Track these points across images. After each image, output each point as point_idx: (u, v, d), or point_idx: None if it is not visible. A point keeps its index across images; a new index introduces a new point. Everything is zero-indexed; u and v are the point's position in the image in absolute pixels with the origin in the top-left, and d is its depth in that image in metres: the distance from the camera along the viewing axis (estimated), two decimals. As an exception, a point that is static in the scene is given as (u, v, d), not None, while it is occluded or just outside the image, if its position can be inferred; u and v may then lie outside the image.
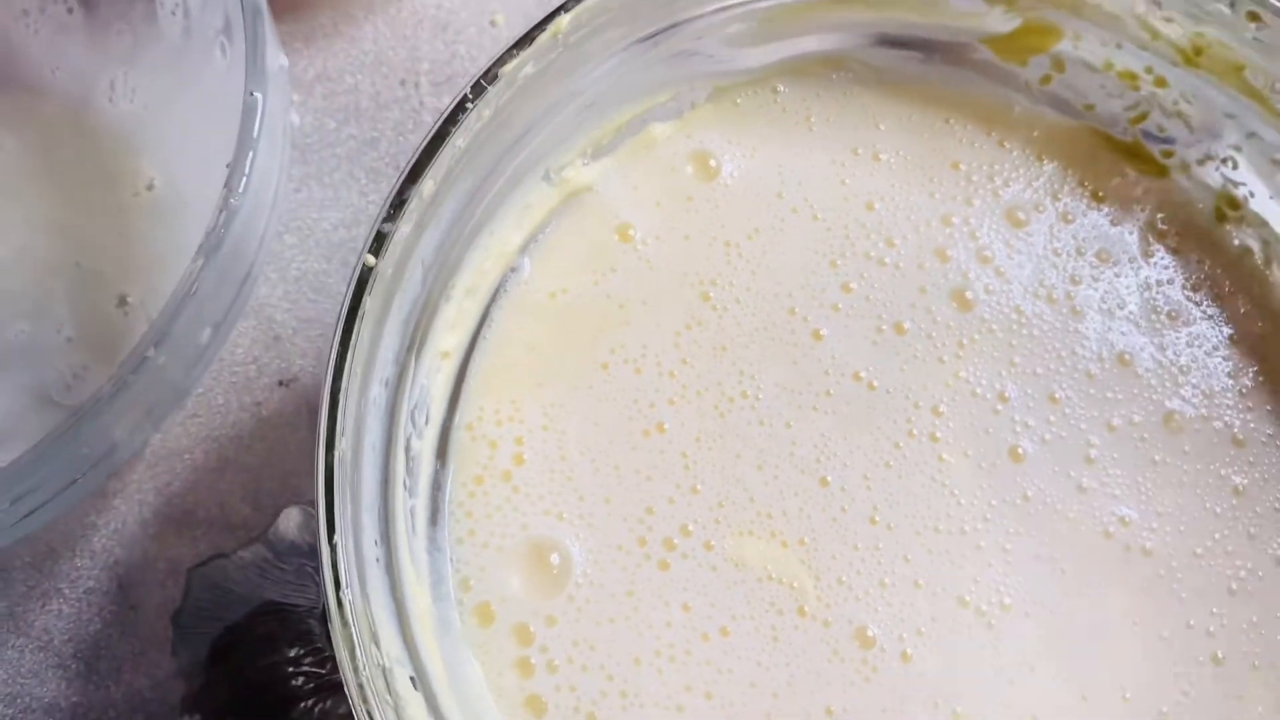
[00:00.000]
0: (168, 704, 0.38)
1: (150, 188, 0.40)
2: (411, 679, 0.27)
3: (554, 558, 0.31)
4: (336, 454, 0.26)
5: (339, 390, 0.27)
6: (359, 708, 0.25)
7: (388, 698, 0.26)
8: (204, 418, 0.40)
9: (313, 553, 0.39)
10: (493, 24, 0.45)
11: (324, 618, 0.39)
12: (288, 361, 0.41)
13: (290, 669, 0.38)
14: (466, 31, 0.45)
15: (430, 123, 0.43)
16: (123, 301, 0.39)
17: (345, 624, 0.25)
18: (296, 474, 0.40)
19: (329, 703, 0.37)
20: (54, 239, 0.40)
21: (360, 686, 0.25)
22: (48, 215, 0.41)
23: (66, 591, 0.39)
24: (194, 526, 0.39)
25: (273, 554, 0.39)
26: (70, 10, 0.41)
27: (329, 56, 0.45)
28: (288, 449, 0.40)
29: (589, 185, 0.35)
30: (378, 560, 0.28)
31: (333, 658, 0.37)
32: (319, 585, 0.38)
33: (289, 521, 0.39)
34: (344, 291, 0.39)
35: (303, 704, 0.37)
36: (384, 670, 0.26)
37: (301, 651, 0.38)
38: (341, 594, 0.25)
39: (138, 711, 0.38)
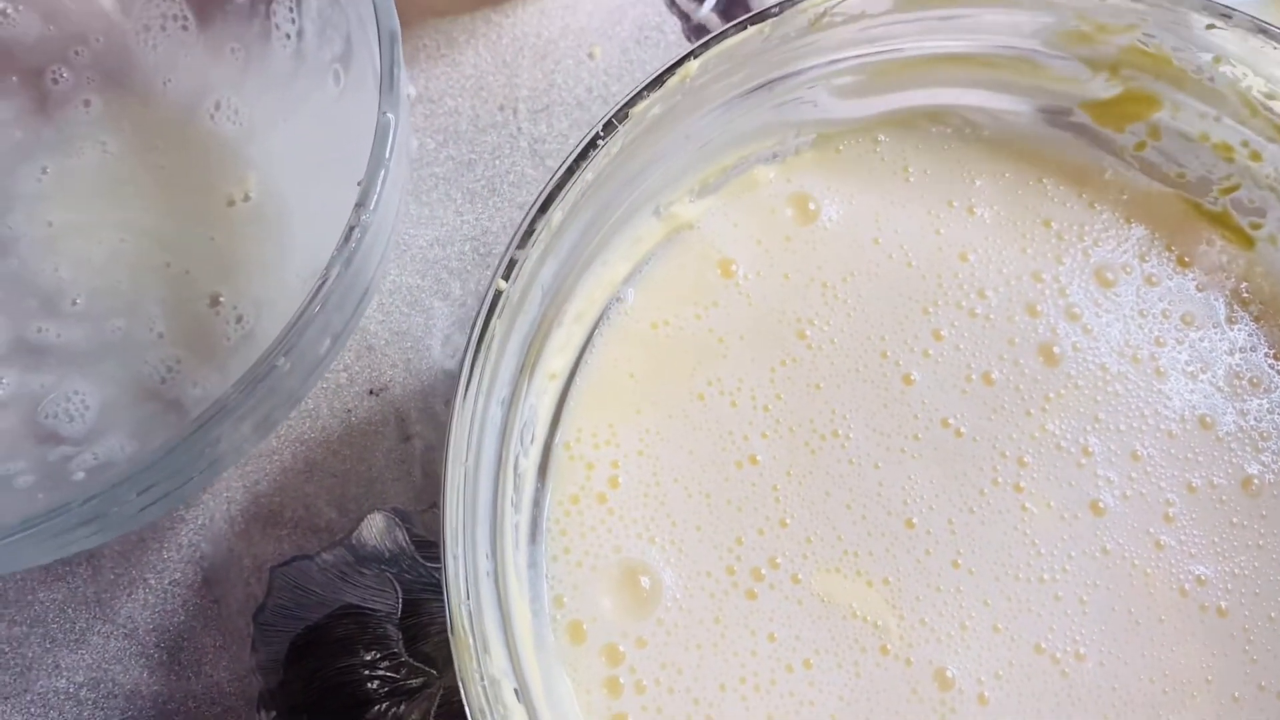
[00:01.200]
0: (245, 698, 0.39)
1: (246, 199, 0.42)
2: (515, 691, 0.28)
3: (644, 581, 0.32)
4: (463, 469, 0.27)
5: (466, 407, 0.28)
6: (478, 716, 0.26)
7: (499, 708, 0.27)
8: (294, 421, 0.41)
9: (393, 559, 0.40)
10: (590, 56, 0.46)
11: (401, 623, 0.40)
12: (379, 371, 0.42)
13: (366, 672, 0.39)
14: (564, 62, 0.46)
15: (527, 148, 0.44)
16: (215, 301, 0.41)
17: (466, 633, 0.26)
18: (382, 481, 0.41)
19: (402, 707, 0.38)
20: (146, 241, 0.42)
21: (479, 695, 0.26)
22: (142, 219, 0.42)
23: (153, 582, 0.40)
24: (279, 527, 0.40)
25: (354, 558, 0.40)
26: (186, 28, 0.43)
27: (430, 79, 0.46)
28: (374, 456, 0.41)
29: (693, 222, 0.36)
30: (488, 574, 0.28)
31: (407, 663, 0.39)
32: (398, 591, 0.39)
33: (372, 527, 0.41)
34: (435, 305, 0.41)
35: (376, 707, 0.39)
36: (493, 681, 0.27)
37: (378, 655, 0.39)
38: (463, 605, 0.26)
39: (216, 704, 0.39)
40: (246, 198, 0.42)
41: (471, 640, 0.26)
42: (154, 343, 0.40)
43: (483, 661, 0.26)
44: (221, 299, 0.41)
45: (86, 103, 0.43)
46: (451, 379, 0.42)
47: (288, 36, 0.41)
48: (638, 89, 0.30)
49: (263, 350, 0.39)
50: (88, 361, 0.40)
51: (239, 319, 0.40)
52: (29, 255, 0.41)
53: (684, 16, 0.47)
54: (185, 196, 0.42)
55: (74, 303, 0.41)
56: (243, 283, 0.41)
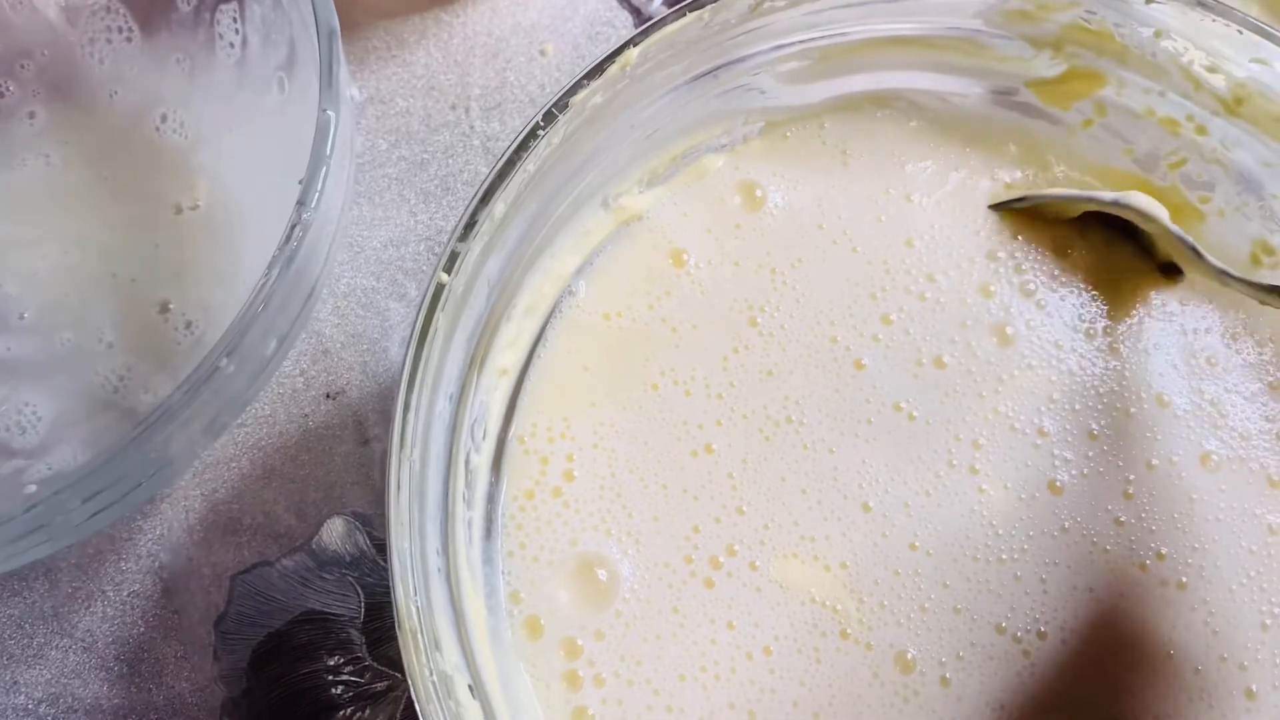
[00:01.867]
0: (208, 708, 0.38)
1: (195, 207, 0.41)
2: (470, 687, 0.28)
3: (601, 573, 0.32)
4: (407, 463, 0.27)
5: (410, 402, 0.27)
6: (426, 710, 0.25)
7: (449, 704, 0.26)
8: (251, 428, 0.41)
9: (354, 563, 0.39)
10: (542, 53, 0.46)
11: (364, 628, 0.40)
12: (335, 375, 0.42)
13: (330, 677, 0.38)
14: (516, 59, 0.46)
15: (480, 146, 0.44)
16: (164, 308, 0.40)
17: (413, 629, 0.26)
18: (341, 485, 0.40)
19: (367, 711, 0.38)
20: (91, 252, 0.41)
21: (427, 690, 0.25)
22: (86, 230, 0.42)
23: (111, 594, 0.39)
24: (238, 534, 0.40)
25: (315, 563, 0.40)
26: (130, 40, 0.42)
27: (381, 79, 0.46)
28: (333, 460, 0.41)
29: (643, 213, 0.36)
30: (439, 570, 0.28)
31: (371, 667, 0.38)
32: (360, 595, 0.39)
33: (332, 532, 0.40)
34: (391, 307, 0.41)
35: (341, 712, 0.38)
36: (445, 677, 0.27)
37: (341, 660, 0.39)
38: (411, 600, 0.26)
39: (179, 715, 0.38)
40: (195, 206, 0.41)
41: (420, 636, 0.26)
42: (104, 353, 0.40)
43: (432, 658, 0.26)
44: (171, 306, 0.40)
45: (31, 115, 0.43)
46: (410, 380, 0.42)
47: (231, 45, 0.41)
48: (577, 78, 0.30)
49: (208, 349, 0.39)
50: (38, 374, 0.40)
51: (189, 325, 0.40)
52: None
53: (635, 11, 0.47)
54: (130, 206, 0.42)
55: (21, 317, 0.40)
56: (192, 289, 0.41)
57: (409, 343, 0.28)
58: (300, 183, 0.31)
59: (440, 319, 0.28)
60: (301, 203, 0.30)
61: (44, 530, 0.30)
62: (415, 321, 0.28)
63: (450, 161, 0.45)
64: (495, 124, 0.45)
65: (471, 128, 0.45)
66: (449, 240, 0.29)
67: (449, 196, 0.44)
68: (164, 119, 0.42)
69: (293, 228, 0.30)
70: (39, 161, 0.42)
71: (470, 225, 0.29)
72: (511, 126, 0.45)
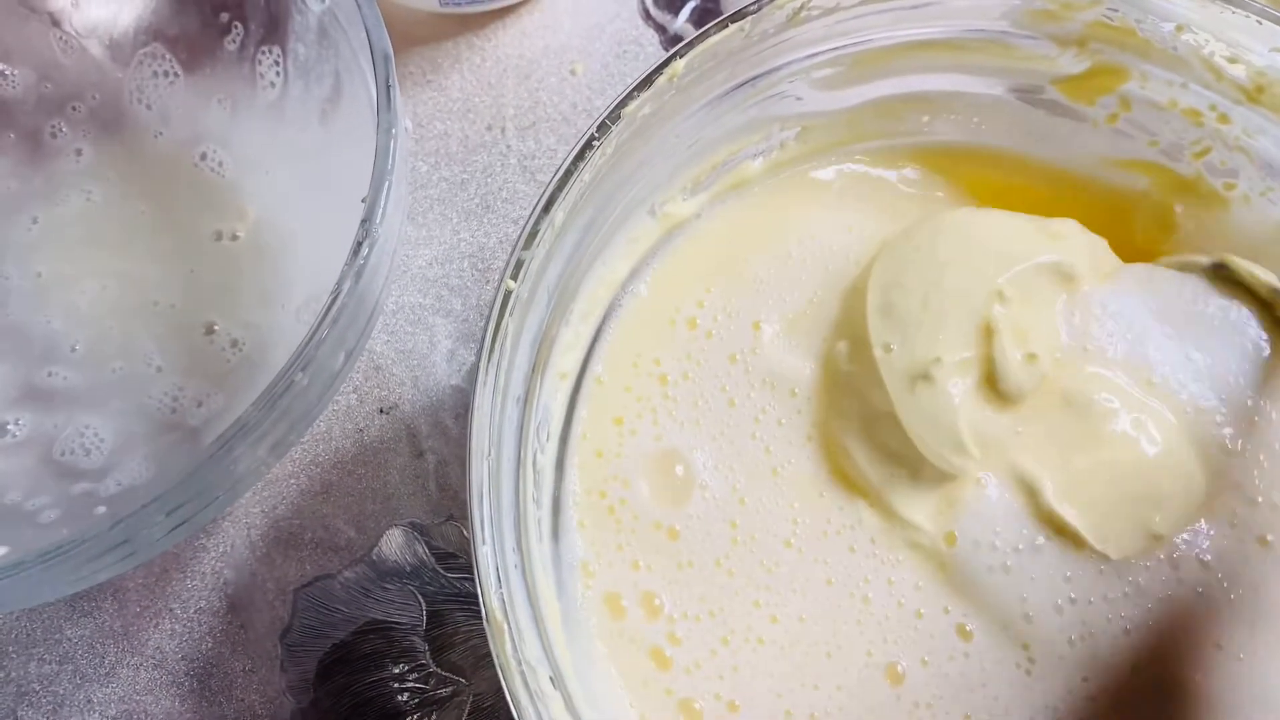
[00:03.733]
0: (278, 719, 0.39)
1: (235, 236, 0.43)
2: (550, 679, 0.29)
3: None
4: (486, 464, 0.28)
5: (484, 405, 0.28)
6: (519, 699, 0.26)
7: (537, 694, 0.27)
8: (308, 444, 0.42)
9: (414, 573, 0.40)
10: (572, 72, 0.48)
11: (427, 635, 0.40)
12: (388, 390, 0.43)
13: (395, 685, 0.39)
14: (548, 80, 0.48)
15: (517, 165, 0.45)
16: (210, 329, 0.42)
17: (500, 622, 0.27)
18: (397, 497, 0.41)
19: (433, 717, 0.39)
20: (128, 283, 0.43)
21: (517, 680, 0.26)
22: (122, 263, 0.43)
23: (178, 611, 0.40)
24: (300, 548, 0.41)
25: (376, 574, 0.41)
26: (174, 83, 0.44)
27: (419, 104, 0.47)
28: (389, 473, 0.42)
29: (688, 219, 0.37)
30: (516, 566, 0.29)
31: (435, 674, 0.39)
32: (421, 604, 0.40)
33: (391, 543, 0.41)
34: (438, 323, 0.42)
35: (407, 719, 0.39)
36: (529, 667, 0.28)
37: (406, 668, 0.39)
38: (495, 593, 0.27)
39: (249, 727, 0.39)
40: (235, 234, 0.43)
41: (507, 627, 0.27)
42: (154, 376, 0.41)
43: (519, 647, 0.27)
44: (216, 327, 0.42)
45: (78, 152, 0.44)
46: (458, 394, 0.43)
47: (272, 85, 0.42)
48: (628, 89, 0.31)
49: (261, 368, 0.40)
50: (95, 400, 0.41)
51: (234, 343, 0.41)
52: (22, 307, 0.42)
53: (660, 29, 0.49)
54: (167, 237, 0.43)
55: (73, 349, 0.42)
56: (235, 310, 0.42)
57: (480, 348, 0.29)
58: (363, 200, 0.32)
59: (509, 324, 0.29)
60: (367, 220, 0.32)
61: (126, 545, 0.31)
62: (485, 327, 0.29)
63: (489, 180, 0.46)
64: (530, 143, 0.46)
65: (508, 147, 0.46)
66: (513, 248, 0.30)
67: (489, 214, 0.46)
68: (204, 156, 0.44)
69: (359, 244, 0.31)
70: (80, 198, 0.44)
71: (534, 234, 0.30)
72: (546, 145, 0.46)
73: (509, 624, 0.27)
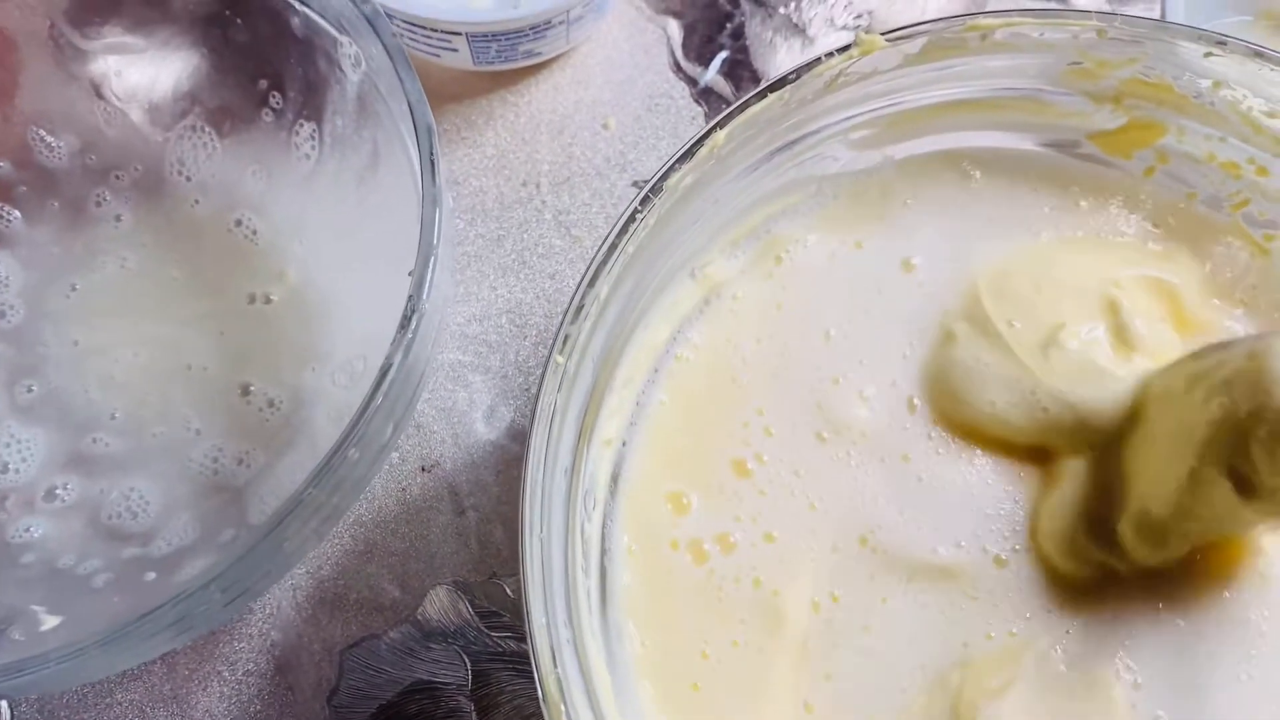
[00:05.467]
0: (327, 781, 0.39)
1: (269, 300, 0.43)
2: (606, 753, 0.29)
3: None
4: (538, 541, 0.28)
5: (536, 481, 0.29)
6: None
7: (593, 771, 0.27)
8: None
9: (459, 632, 0.41)
10: (605, 127, 0.48)
11: (473, 694, 0.41)
12: (429, 448, 0.43)
13: (442, 745, 0.40)
14: (581, 135, 0.48)
15: (552, 220, 0.46)
16: (245, 390, 0.42)
17: (556, 701, 0.27)
18: (441, 555, 0.42)
19: (481, 777, 0.39)
20: (161, 350, 0.43)
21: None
22: (154, 330, 0.44)
23: (226, 674, 0.41)
24: (345, 609, 0.41)
25: (421, 634, 0.41)
26: (212, 155, 0.44)
27: (454, 161, 0.47)
28: (432, 532, 0.42)
29: (727, 281, 0.37)
30: (568, 641, 0.29)
31: (482, 733, 0.39)
32: (466, 664, 0.40)
33: (435, 602, 0.41)
34: (476, 380, 0.42)
35: (455, 779, 0.39)
36: (585, 745, 0.28)
37: (453, 728, 0.40)
38: (551, 674, 0.27)
39: (299, 789, 0.39)
40: (269, 298, 0.43)
41: (563, 708, 0.27)
42: (193, 439, 0.42)
43: (576, 726, 0.27)
44: (252, 388, 0.42)
45: (118, 218, 0.45)
46: (499, 450, 0.43)
47: (307, 157, 0.43)
48: (670, 162, 0.32)
49: (298, 426, 0.41)
50: (139, 464, 0.42)
51: (271, 403, 0.42)
52: (61, 374, 0.43)
53: (691, 81, 0.49)
54: (199, 302, 0.44)
55: (112, 417, 0.42)
56: (270, 371, 0.42)
57: (531, 424, 0.29)
58: (410, 274, 0.32)
59: (557, 399, 0.30)
60: (414, 294, 0.32)
61: (182, 623, 0.32)
62: (536, 402, 0.29)
63: (525, 236, 0.46)
64: (565, 198, 0.47)
65: (543, 203, 0.47)
66: (560, 324, 0.30)
67: (525, 270, 0.46)
68: (239, 222, 0.44)
69: (408, 317, 0.32)
70: (115, 265, 0.44)
71: (580, 308, 0.30)
72: (581, 199, 0.47)
73: (565, 703, 0.27)
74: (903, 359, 0.36)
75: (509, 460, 0.43)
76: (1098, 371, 0.33)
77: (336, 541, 0.42)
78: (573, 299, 0.30)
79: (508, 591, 0.41)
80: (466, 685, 0.40)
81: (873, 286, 0.37)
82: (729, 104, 0.34)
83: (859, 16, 0.50)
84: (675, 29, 0.50)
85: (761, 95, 0.33)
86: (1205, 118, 0.35)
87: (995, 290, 0.36)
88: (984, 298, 0.35)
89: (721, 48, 0.49)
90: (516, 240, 0.46)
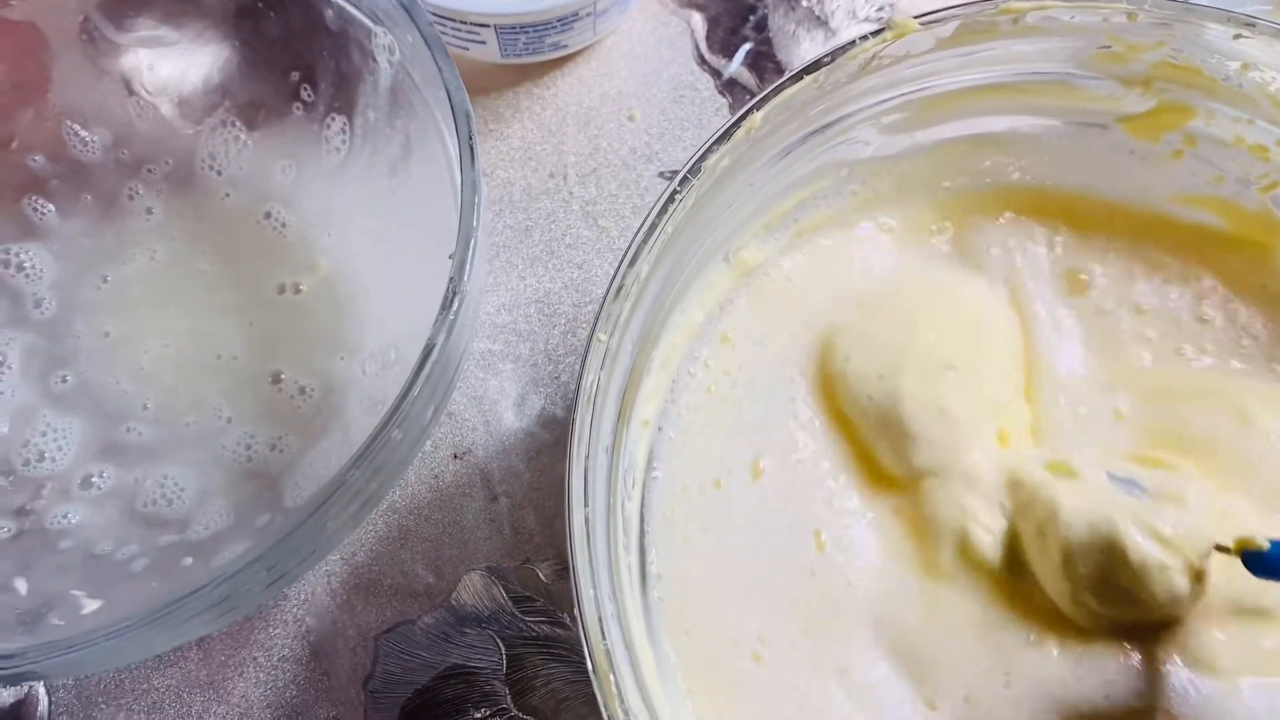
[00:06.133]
0: (363, 765, 0.40)
1: (298, 290, 0.44)
2: (650, 725, 0.29)
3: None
4: (583, 514, 0.29)
5: (582, 456, 0.29)
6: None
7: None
8: (384, 491, 0.43)
9: (493, 617, 0.41)
10: (630, 118, 0.48)
11: (507, 679, 0.41)
12: (461, 435, 0.44)
13: (477, 729, 0.40)
14: (607, 126, 0.48)
15: (579, 210, 0.46)
16: (276, 378, 0.42)
17: (605, 672, 0.27)
18: (474, 541, 0.42)
19: (516, 761, 0.39)
20: (189, 341, 0.43)
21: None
22: (182, 321, 0.44)
23: (262, 660, 0.41)
24: (380, 595, 0.41)
25: (455, 619, 0.41)
26: (243, 149, 0.45)
27: (482, 153, 0.48)
28: (465, 518, 0.42)
29: (760, 265, 0.37)
30: (613, 615, 0.30)
31: (517, 718, 0.39)
32: (501, 648, 0.41)
33: (469, 587, 0.42)
34: (506, 369, 0.42)
35: (491, 763, 0.39)
36: (633, 716, 0.28)
37: (488, 713, 0.40)
38: (601, 645, 0.27)
39: (335, 773, 0.39)
40: (298, 288, 0.44)
41: (613, 678, 0.27)
42: (225, 427, 0.42)
43: (625, 697, 0.27)
44: (283, 376, 0.42)
45: (149, 211, 0.45)
46: (529, 437, 0.44)
47: (338, 150, 0.43)
48: (709, 143, 0.32)
49: (330, 413, 0.41)
50: (172, 453, 0.42)
51: (302, 390, 0.42)
52: (93, 366, 0.43)
53: (715, 73, 0.49)
54: (227, 292, 0.44)
55: (144, 407, 0.42)
56: (299, 359, 0.43)
57: (575, 400, 0.29)
58: (450, 257, 0.33)
59: (600, 376, 0.30)
60: (455, 276, 0.32)
61: (226, 603, 0.32)
62: (580, 379, 0.30)
63: (552, 226, 0.47)
64: (592, 189, 0.47)
65: (570, 194, 0.47)
66: (602, 302, 0.30)
67: (553, 260, 0.46)
68: (268, 214, 0.45)
69: (450, 298, 0.32)
70: (145, 257, 0.45)
71: (621, 287, 0.31)
72: (607, 190, 0.47)
73: (614, 674, 0.27)
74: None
75: (540, 447, 0.43)
76: None
77: (370, 528, 0.42)
78: (614, 278, 0.31)
79: (541, 576, 0.42)
80: (501, 669, 0.41)
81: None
82: (753, 95, 0.34)
83: (881, 8, 0.50)
84: (699, 21, 0.50)
85: (798, 77, 0.33)
86: (1233, 100, 0.36)
87: None
88: None
89: (745, 40, 0.50)
90: (544, 231, 0.47)
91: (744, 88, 0.49)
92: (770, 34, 0.50)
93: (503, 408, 0.44)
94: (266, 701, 0.40)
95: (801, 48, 0.50)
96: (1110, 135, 0.38)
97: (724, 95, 0.49)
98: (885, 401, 0.35)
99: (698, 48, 0.50)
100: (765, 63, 0.50)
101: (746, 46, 0.50)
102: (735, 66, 0.49)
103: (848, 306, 0.37)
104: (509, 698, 0.40)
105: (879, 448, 0.36)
